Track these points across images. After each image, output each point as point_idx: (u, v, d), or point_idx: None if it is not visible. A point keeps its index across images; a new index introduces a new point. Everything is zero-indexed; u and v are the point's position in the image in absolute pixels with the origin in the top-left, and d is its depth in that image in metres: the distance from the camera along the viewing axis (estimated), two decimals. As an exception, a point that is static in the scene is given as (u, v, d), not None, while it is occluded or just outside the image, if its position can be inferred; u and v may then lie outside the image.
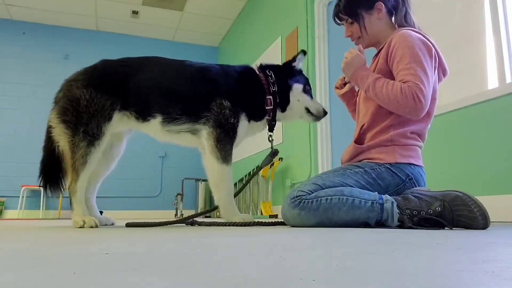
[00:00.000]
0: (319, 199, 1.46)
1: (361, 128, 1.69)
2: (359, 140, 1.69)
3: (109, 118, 1.73)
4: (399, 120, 1.58)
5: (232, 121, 1.76)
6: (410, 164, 1.56)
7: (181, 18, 6.29)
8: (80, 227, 1.60)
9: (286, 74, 1.91)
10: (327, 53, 3.83)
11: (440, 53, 1.62)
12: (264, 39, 5.10)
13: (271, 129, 1.90)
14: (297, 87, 1.90)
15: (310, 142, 3.82)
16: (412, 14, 1.71)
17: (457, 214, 1.32)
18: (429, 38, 1.61)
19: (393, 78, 1.57)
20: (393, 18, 1.73)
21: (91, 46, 6.50)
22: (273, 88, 1.86)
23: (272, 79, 1.86)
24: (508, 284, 0.41)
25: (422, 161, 1.63)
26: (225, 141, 1.75)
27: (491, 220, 1.30)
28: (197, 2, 5.83)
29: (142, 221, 1.91)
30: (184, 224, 1.91)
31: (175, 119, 1.77)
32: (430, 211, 1.34)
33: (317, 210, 1.45)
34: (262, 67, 1.93)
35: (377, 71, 1.63)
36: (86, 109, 1.70)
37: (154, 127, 1.80)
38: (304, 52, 1.94)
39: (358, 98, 1.80)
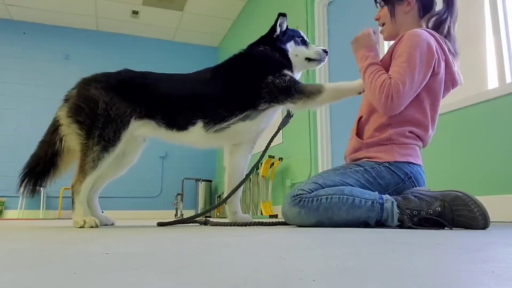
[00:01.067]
0: (319, 198, 1.46)
1: (359, 121, 1.71)
2: (358, 135, 1.70)
3: (127, 125, 1.72)
4: (396, 120, 1.57)
5: (289, 79, 1.77)
6: (408, 162, 1.56)
7: (181, 18, 6.29)
8: (81, 227, 1.60)
9: (275, 42, 1.93)
10: (327, 53, 3.82)
11: (452, 63, 1.59)
12: (264, 39, 5.09)
13: None
14: (290, 45, 1.94)
15: (310, 142, 3.82)
16: (454, 25, 1.66)
17: (457, 214, 1.32)
18: (442, 43, 1.57)
19: None
20: (426, 17, 1.69)
21: (91, 46, 6.50)
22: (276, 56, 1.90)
23: (268, 50, 1.91)
24: (508, 284, 0.41)
25: (422, 160, 1.63)
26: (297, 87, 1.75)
27: (491, 220, 1.30)
28: (197, 2, 5.83)
29: (144, 221, 1.91)
30: (185, 224, 1.91)
31: (224, 118, 1.76)
32: (430, 211, 1.34)
33: (317, 209, 1.46)
34: (254, 45, 1.97)
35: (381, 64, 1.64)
36: (104, 112, 1.68)
37: (196, 133, 1.78)
38: (282, 15, 1.95)
39: None
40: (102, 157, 1.66)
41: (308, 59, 1.96)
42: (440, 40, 1.58)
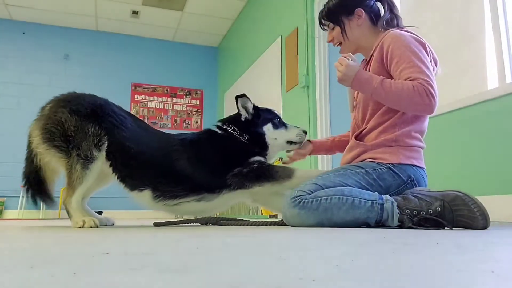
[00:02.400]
0: (319, 198, 1.46)
1: (361, 132, 1.68)
2: (359, 138, 1.68)
3: (101, 148, 1.71)
4: (402, 119, 1.57)
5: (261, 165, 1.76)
6: (412, 165, 1.55)
7: (181, 18, 6.29)
8: (80, 227, 1.60)
9: (249, 125, 1.87)
10: (327, 53, 3.83)
11: (429, 45, 1.62)
12: (264, 39, 5.10)
13: None
14: (268, 128, 1.88)
15: (310, 142, 3.81)
16: (400, 17, 1.70)
17: (457, 214, 1.32)
18: (414, 32, 1.62)
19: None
20: (379, 24, 1.71)
21: (91, 46, 6.49)
22: (244, 139, 1.84)
23: (237, 132, 1.84)
24: (508, 284, 0.41)
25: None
26: (264, 173, 1.73)
27: (491, 220, 1.30)
28: (197, 2, 5.82)
29: (144, 221, 1.91)
30: (186, 224, 1.91)
31: (176, 197, 1.72)
32: (430, 211, 1.34)
33: (317, 210, 1.45)
34: (224, 124, 1.90)
35: None
36: (74, 134, 1.69)
37: (143, 199, 1.74)
38: (240, 96, 1.87)
39: (355, 102, 1.79)
40: (85, 174, 1.67)
41: (290, 142, 1.91)
42: (413, 32, 1.61)
